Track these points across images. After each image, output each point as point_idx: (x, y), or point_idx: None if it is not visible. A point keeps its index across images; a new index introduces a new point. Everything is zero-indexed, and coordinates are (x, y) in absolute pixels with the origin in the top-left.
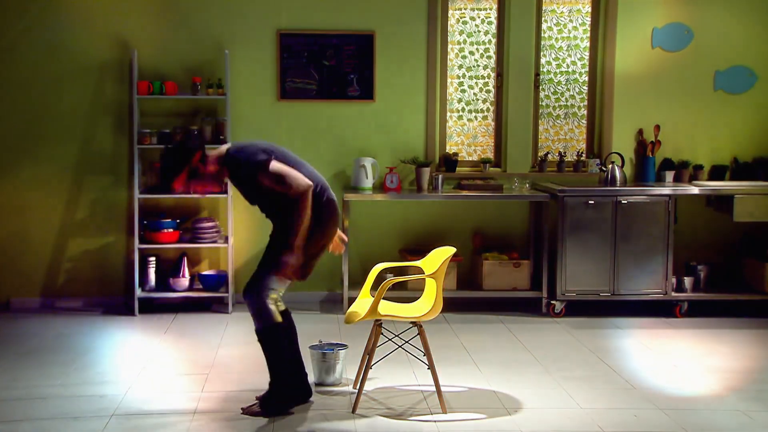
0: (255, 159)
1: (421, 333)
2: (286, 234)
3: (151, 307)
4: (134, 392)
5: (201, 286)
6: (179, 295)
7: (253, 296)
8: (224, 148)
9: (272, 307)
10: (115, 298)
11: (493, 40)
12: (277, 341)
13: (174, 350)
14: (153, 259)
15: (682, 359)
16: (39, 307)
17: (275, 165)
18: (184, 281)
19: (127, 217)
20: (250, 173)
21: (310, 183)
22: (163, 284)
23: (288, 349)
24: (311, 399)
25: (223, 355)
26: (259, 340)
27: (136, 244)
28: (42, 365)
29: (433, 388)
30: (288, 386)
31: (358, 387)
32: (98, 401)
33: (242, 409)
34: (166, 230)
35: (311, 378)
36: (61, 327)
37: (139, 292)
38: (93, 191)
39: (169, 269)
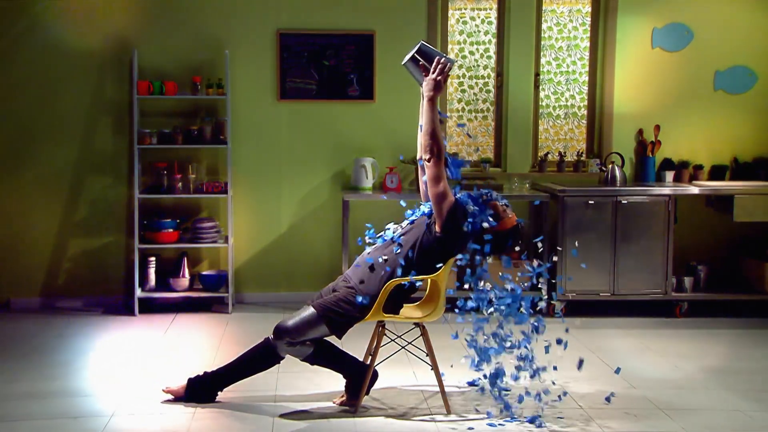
0: None
1: (424, 334)
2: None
3: (151, 307)
4: (134, 392)
5: (201, 286)
6: (179, 295)
7: (290, 340)
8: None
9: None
10: (115, 298)
11: (493, 40)
12: (326, 349)
13: (174, 350)
14: (153, 259)
15: (682, 359)
16: (39, 307)
17: None
18: (184, 281)
19: (127, 217)
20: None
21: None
22: (163, 284)
23: (333, 348)
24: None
25: (223, 355)
26: (314, 363)
27: (136, 244)
28: (42, 365)
29: (434, 389)
30: (360, 370)
31: None
32: (98, 401)
33: (334, 401)
34: (166, 230)
35: None
36: (61, 327)
37: (139, 292)
38: (93, 191)
39: (169, 269)
